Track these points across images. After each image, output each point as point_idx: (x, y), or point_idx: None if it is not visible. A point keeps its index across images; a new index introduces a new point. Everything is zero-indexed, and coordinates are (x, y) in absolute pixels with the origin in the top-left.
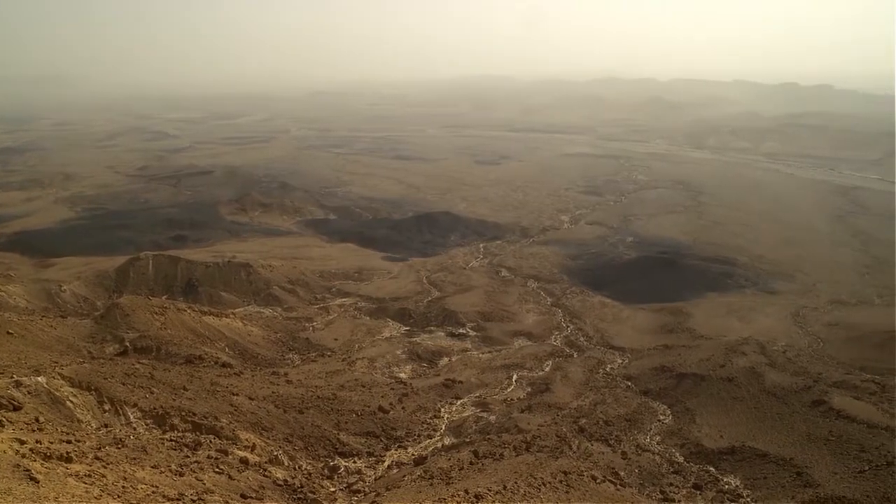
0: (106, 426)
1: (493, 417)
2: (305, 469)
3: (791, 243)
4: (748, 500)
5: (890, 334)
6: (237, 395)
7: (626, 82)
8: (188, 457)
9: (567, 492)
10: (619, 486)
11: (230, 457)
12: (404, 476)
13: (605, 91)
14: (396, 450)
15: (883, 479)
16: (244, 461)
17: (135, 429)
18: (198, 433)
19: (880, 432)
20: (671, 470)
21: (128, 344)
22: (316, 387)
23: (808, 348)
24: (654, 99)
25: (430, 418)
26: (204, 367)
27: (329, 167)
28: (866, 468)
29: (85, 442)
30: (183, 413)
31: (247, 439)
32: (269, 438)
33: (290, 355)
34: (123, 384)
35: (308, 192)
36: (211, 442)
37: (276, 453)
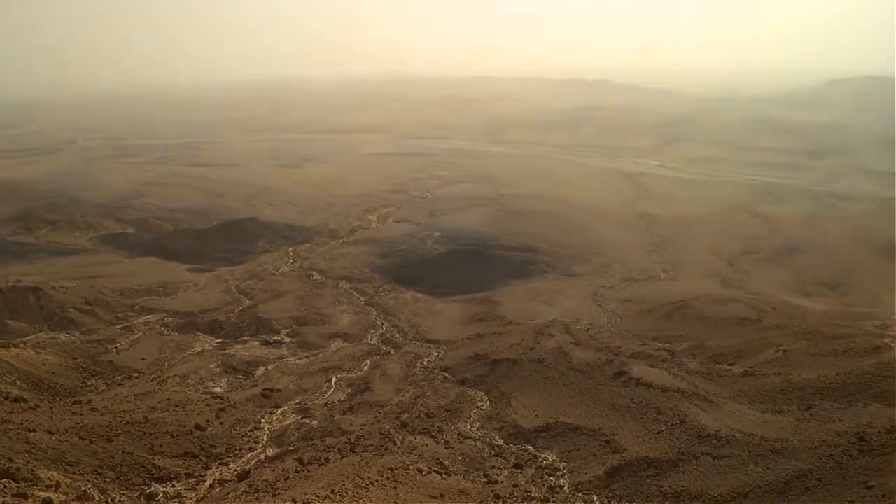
0: None
1: (315, 423)
2: (119, 501)
3: (586, 228)
4: (565, 471)
5: (675, 305)
6: (34, 430)
7: (420, 81)
8: None
9: (395, 487)
10: (444, 476)
11: (30, 500)
12: (228, 493)
13: (402, 90)
14: (218, 467)
15: (678, 437)
16: (48, 502)
17: None
18: None
19: (673, 394)
20: (493, 453)
21: None
22: (124, 412)
23: (607, 325)
24: (450, 97)
25: (251, 430)
26: None
27: (123, 178)
28: (663, 428)
29: None
30: None
31: (49, 478)
32: (75, 473)
33: (94, 381)
34: None
35: (101, 206)
36: (6, 486)
37: (84, 488)
